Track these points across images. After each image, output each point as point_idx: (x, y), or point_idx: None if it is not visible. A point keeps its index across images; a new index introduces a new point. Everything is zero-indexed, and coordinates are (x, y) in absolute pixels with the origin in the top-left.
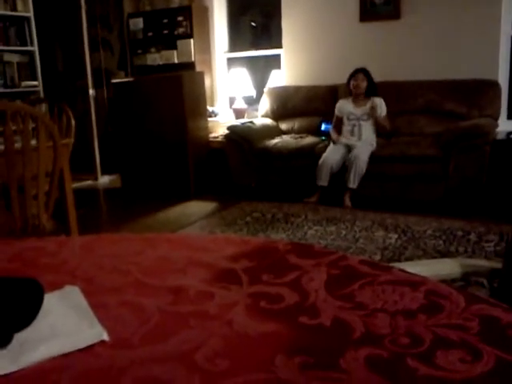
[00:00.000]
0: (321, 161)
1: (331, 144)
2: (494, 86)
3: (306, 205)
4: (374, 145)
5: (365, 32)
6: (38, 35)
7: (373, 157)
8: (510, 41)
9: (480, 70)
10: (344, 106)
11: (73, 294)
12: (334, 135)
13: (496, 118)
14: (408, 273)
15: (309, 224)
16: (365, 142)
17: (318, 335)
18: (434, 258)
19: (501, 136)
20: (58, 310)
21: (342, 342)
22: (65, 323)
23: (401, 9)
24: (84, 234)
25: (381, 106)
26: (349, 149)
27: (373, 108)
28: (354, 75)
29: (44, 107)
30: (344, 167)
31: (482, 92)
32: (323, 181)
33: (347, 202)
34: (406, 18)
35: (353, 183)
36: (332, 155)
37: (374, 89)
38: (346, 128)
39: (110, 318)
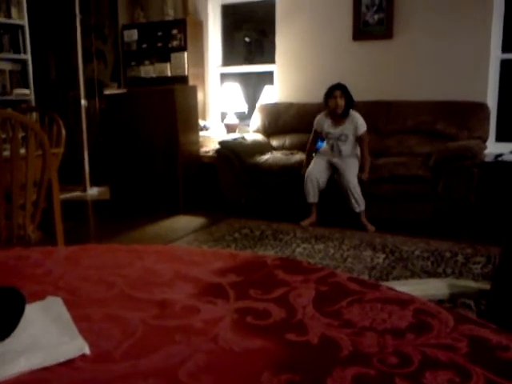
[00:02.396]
0: (305, 177)
1: (313, 160)
2: (483, 108)
3: (298, 224)
4: (359, 156)
5: (358, 51)
6: (31, 44)
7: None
8: (499, 65)
9: (470, 93)
10: (322, 124)
11: (55, 306)
12: (306, 160)
13: (484, 140)
14: (396, 291)
15: (297, 242)
16: (349, 160)
17: (305, 352)
18: (422, 278)
19: (489, 158)
20: (39, 322)
21: (330, 360)
22: (45, 335)
23: (393, 29)
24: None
25: (358, 124)
26: (332, 167)
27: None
28: (331, 94)
29: (35, 116)
30: (330, 184)
31: (471, 114)
32: (313, 197)
33: (368, 225)
34: (399, 38)
35: (358, 207)
36: (315, 169)
37: (351, 105)
38: (327, 145)
39: (92, 330)
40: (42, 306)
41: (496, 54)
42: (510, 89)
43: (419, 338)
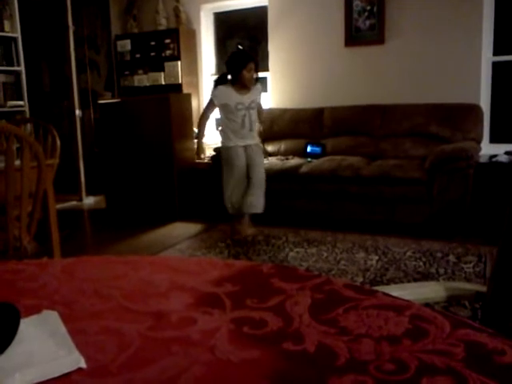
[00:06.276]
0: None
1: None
2: (476, 110)
3: (288, 227)
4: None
5: (350, 56)
6: (25, 55)
7: (358, 178)
8: (491, 66)
9: (462, 95)
10: (229, 94)
11: (51, 319)
12: (201, 141)
13: (479, 142)
14: (392, 297)
15: (290, 246)
16: (258, 145)
17: (301, 362)
18: (415, 279)
19: (483, 159)
20: (35, 336)
21: (326, 369)
22: (41, 350)
23: (385, 34)
24: (67, 257)
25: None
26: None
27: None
28: (246, 65)
29: (29, 127)
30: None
31: (464, 116)
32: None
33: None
34: (390, 43)
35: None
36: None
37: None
38: (236, 121)
39: (88, 344)
40: (37, 320)
41: (487, 57)
42: (502, 90)
43: (416, 344)
